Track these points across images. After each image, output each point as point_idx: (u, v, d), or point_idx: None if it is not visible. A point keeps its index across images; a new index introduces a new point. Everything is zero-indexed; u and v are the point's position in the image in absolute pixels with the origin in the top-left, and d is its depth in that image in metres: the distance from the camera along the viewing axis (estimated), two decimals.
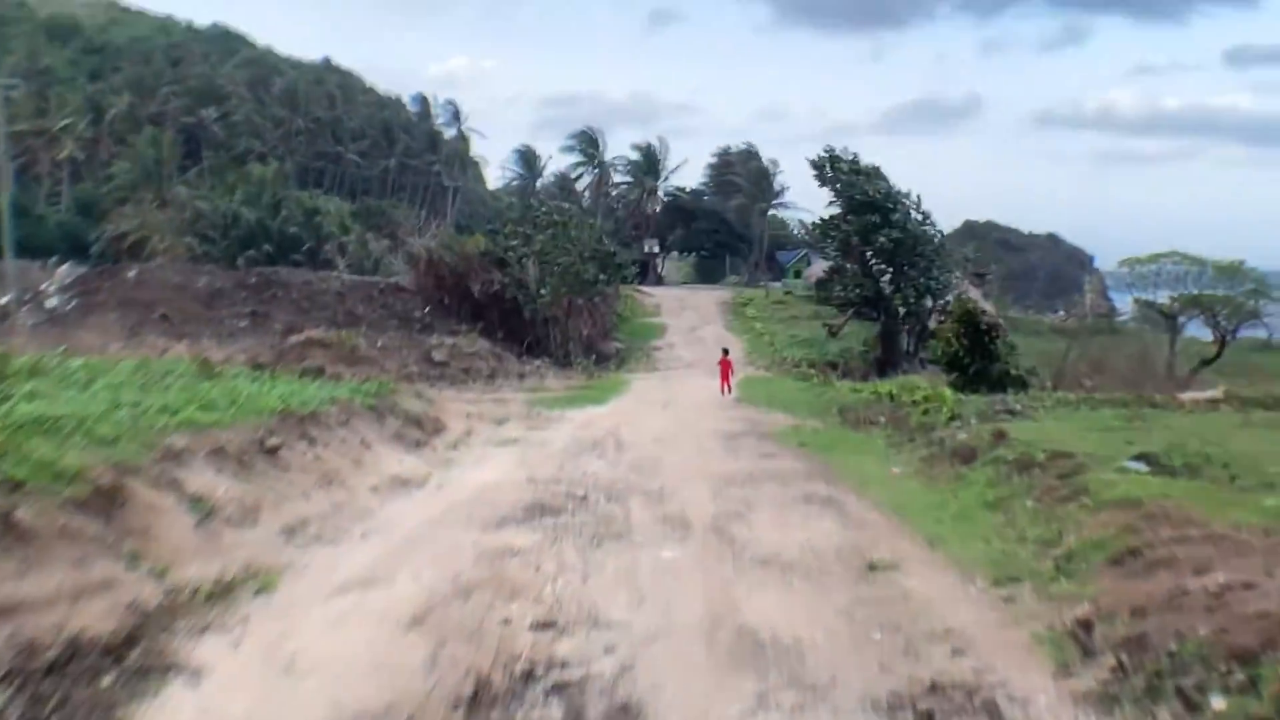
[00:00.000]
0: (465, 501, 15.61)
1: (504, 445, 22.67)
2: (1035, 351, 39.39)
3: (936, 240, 54.91)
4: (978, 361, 34.43)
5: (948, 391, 27.22)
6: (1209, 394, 29.36)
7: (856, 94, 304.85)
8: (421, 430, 21.87)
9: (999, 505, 14.48)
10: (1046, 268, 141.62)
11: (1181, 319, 54.22)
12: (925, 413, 24.56)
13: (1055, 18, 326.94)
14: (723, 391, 37.41)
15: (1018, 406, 24.71)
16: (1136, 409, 25.51)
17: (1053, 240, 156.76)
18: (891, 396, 28.50)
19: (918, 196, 54.19)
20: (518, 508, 14.91)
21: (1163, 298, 55.00)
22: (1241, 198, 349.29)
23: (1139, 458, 15.37)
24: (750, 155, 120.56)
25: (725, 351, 41.04)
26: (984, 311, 36.45)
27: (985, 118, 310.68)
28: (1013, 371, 34.94)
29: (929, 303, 53.48)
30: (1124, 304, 75.95)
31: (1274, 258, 52.69)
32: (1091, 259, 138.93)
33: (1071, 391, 33.08)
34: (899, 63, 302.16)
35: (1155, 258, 54.25)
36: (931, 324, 53.16)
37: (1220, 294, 52.42)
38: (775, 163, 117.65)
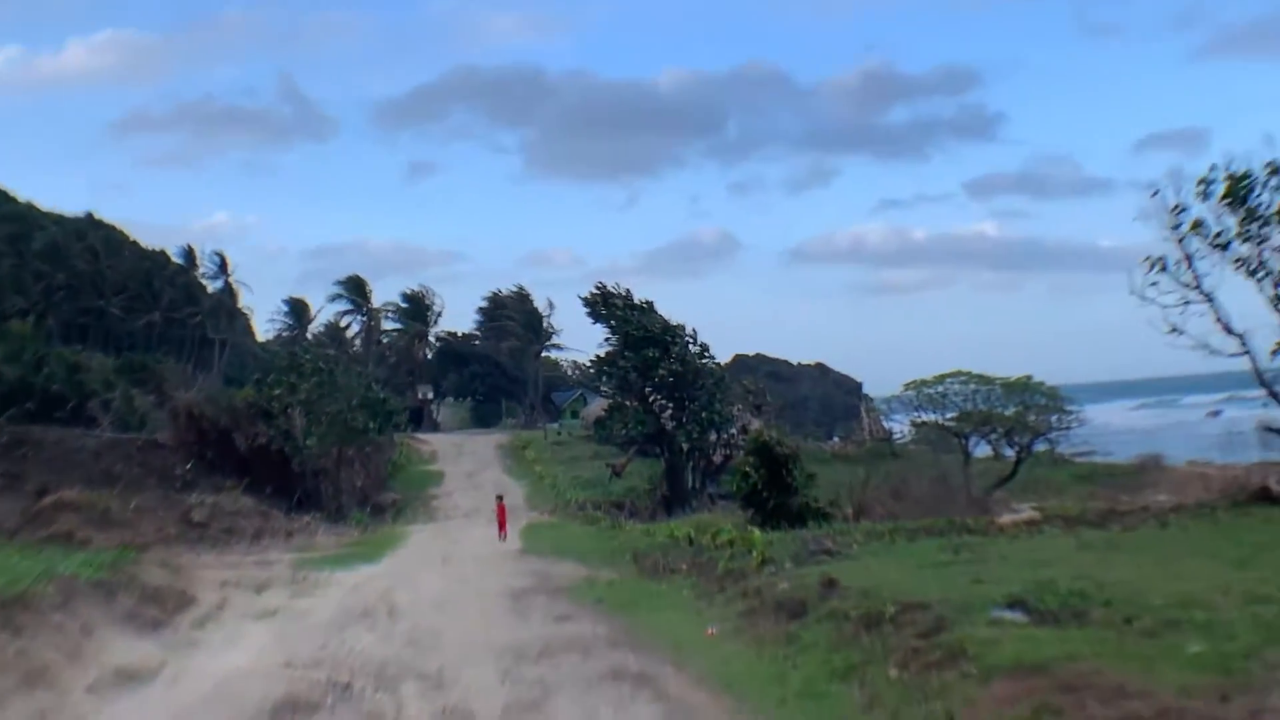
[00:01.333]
0: (201, 700, 12.95)
1: (262, 619, 19.85)
2: (825, 480, 37.57)
3: (717, 373, 53.38)
4: (776, 495, 32.29)
5: (757, 532, 24.88)
6: (1025, 515, 27.67)
7: (617, 238, 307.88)
8: (162, 607, 19.04)
9: (853, 675, 12.08)
10: (817, 396, 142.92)
11: (972, 438, 53.43)
12: (732, 557, 22.22)
13: (801, 158, 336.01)
14: (500, 538, 35.67)
15: (831, 544, 22.51)
16: (955, 537, 23.66)
17: (821, 370, 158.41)
18: (690, 539, 26.12)
19: (693, 330, 52.82)
20: (265, 707, 12.31)
21: (947, 418, 54.12)
22: (1001, 318, 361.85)
23: (1012, 605, 13.13)
24: (522, 299, 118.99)
25: (500, 498, 40.24)
26: (780, 442, 34.33)
27: (743, 255, 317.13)
28: (813, 504, 32.92)
29: (713, 436, 51.71)
30: (900, 428, 75.96)
31: (1035, 373, 52.85)
32: (860, 385, 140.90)
33: (875, 521, 31.32)
34: (654, 207, 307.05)
35: (941, 378, 53.54)
36: (717, 458, 51.32)
37: (1010, 411, 51.75)
38: (550, 304, 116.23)
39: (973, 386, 52.53)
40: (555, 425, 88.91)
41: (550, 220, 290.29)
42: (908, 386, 56.23)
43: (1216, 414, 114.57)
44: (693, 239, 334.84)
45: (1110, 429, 68.25)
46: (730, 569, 21.09)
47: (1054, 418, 51.27)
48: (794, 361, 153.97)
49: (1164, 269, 29.07)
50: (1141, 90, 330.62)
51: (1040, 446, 53.84)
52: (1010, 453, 53.35)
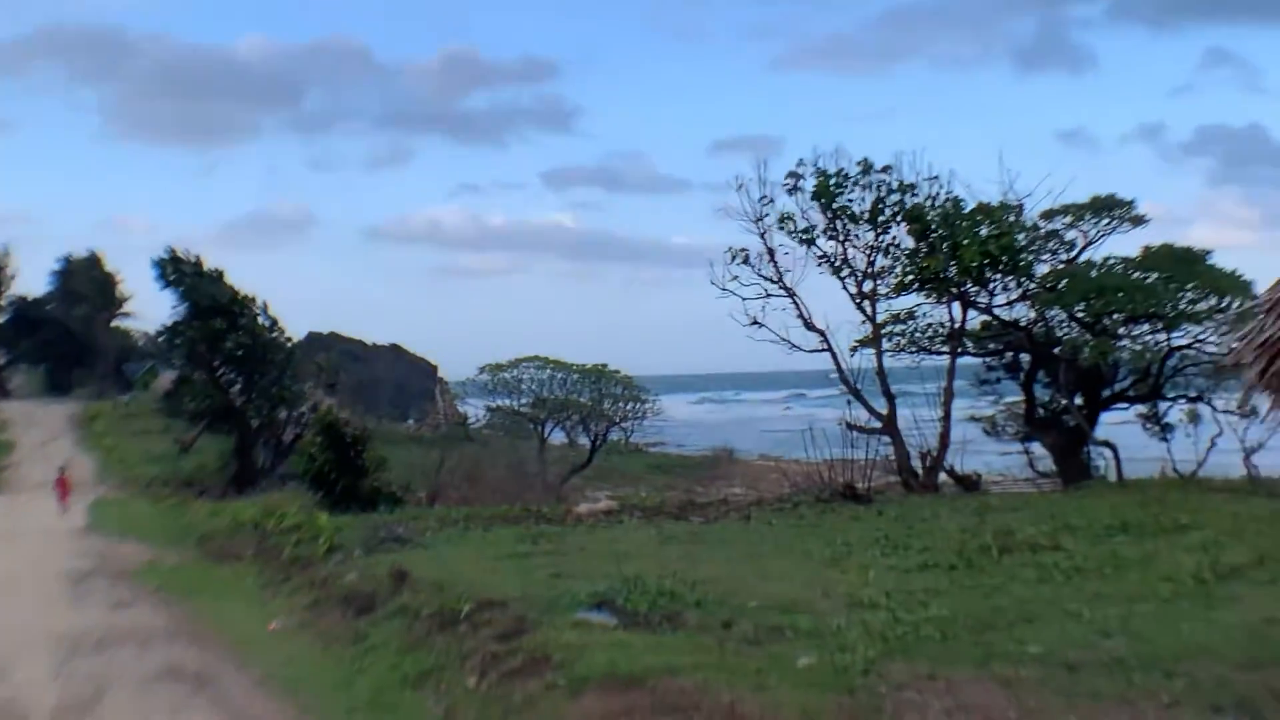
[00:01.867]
0: None
1: None
2: (400, 463, 35.93)
3: (288, 348, 50.71)
4: (346, 477, 30.42)
5: (324, 516, 22.99)
6: (603, 504, 26.91)
7: (194, 206, 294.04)
8: None
9: (427, 682, 10.68)
10: (393, 378, 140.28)
11: (548, 425, 52.57)
12: (298, 543, 20.45)
13: (380, 137, 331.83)
14: (62, 509, 32.91)
15: (403, 531, 21.05)
16: (532, 526, 22.76)
17: (397, 351, 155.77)
18: (255, 523, 24.14)
19: (264, 303, 50.09)
20: None
21: (522, 404, 53.15)
22: (577, 307, 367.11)
23: (599, 604, 11.96)
24: (94, 264, 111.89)
25: (62, 470, 36.85)
26: (348, 421, 32.47)
27: (320, 231, 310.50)
28: (385, 488, 31.25)
29: (283, 414, 48.98)
30: (476, 411, 75.00)
31: (609, 363, 52.60)
32: (435, 368, 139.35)
33: (450, 506, 30.04)
34: (232, 177, 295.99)
35: (516, 362, 52.47)
36: (287, 437, 48.68)
37: (586, 398, 51.19)
38: (118, 271, 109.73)
39: (548, 372, 51.73)
40: (126, 397, 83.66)
41: (128, 185, 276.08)
42: (484, 370, 55.04)
43: (788, 409, 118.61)
44: (270, 211, 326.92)
45: (679, 421, 69.24)
46: (296, 556, 19.50)
47: (629, 406, 51.10)
48: (369, 342, 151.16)
49: (746, 261, 28.91)
50: (718, 95, 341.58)
51: (615, 435, 53.60)
52: (585, 440, 52.87)
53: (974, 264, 27.27)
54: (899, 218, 28.32)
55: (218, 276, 49.66)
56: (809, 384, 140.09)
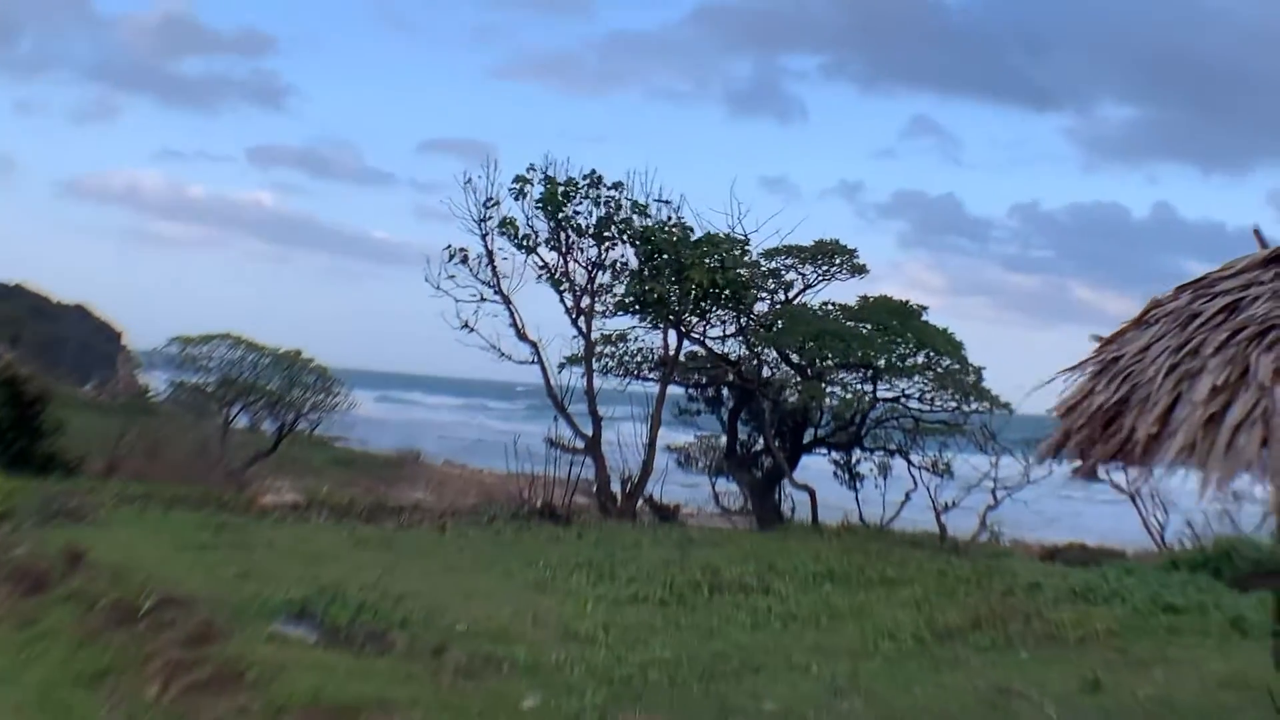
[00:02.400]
0: None
1: None
2: (77, 429, 33.62)
3: None
4: (22, 438, 28.22)
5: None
6: (289, 497, 25.53)
7: None
8: None
9: (103, 684, 9.43)
10: (77, 339, 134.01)
11: (235, 407, 50.23)
12: None
13: (89, 89, 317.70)
14: None
15: (78, 504, 19.44)
16: (215, 513, 21.43)
17: (83, 312, 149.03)
18: None
19: None
20: None
21: (208, 382, 50.73)
22: (273, 290, 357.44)
23: (298, 615, 10.93)
24: None
25: None
26: (29, 378, 30.15)
27: (18, 177, 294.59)
28: (60, 454, 29.12)
29: None
30: (159, 384, 71.90)
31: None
32: (120, 334, 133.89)
33: (127, 481, 28.21)
34: None
35: (208, 338, 49.98)
36: None
37: (276, 383, 49.17)
38: None
39: (240, 352, 49.50)
40: None
41: None
42: (173, 341, 52.35)
43: (474, 418, 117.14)
44: None
45: (361, 417, 67.39)
46: None
47: (321, 397, 49.33)
48: (55, 299, 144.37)
49: (465, 261, 27.98)
50: (434, 94, 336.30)
51: (302, 426, 51.63)
52: (270, 427, 50.73)
53: (698, 293, 27.01)
54: (626, 237, 27.80)
55: None
56: (492, 395, 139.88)
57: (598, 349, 29.92)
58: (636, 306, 28.02)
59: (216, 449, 39.99)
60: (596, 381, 29.20)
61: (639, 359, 30.88)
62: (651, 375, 30.64)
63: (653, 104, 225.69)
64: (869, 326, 28.40)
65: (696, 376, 31.73)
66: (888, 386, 28.67)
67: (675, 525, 27.12)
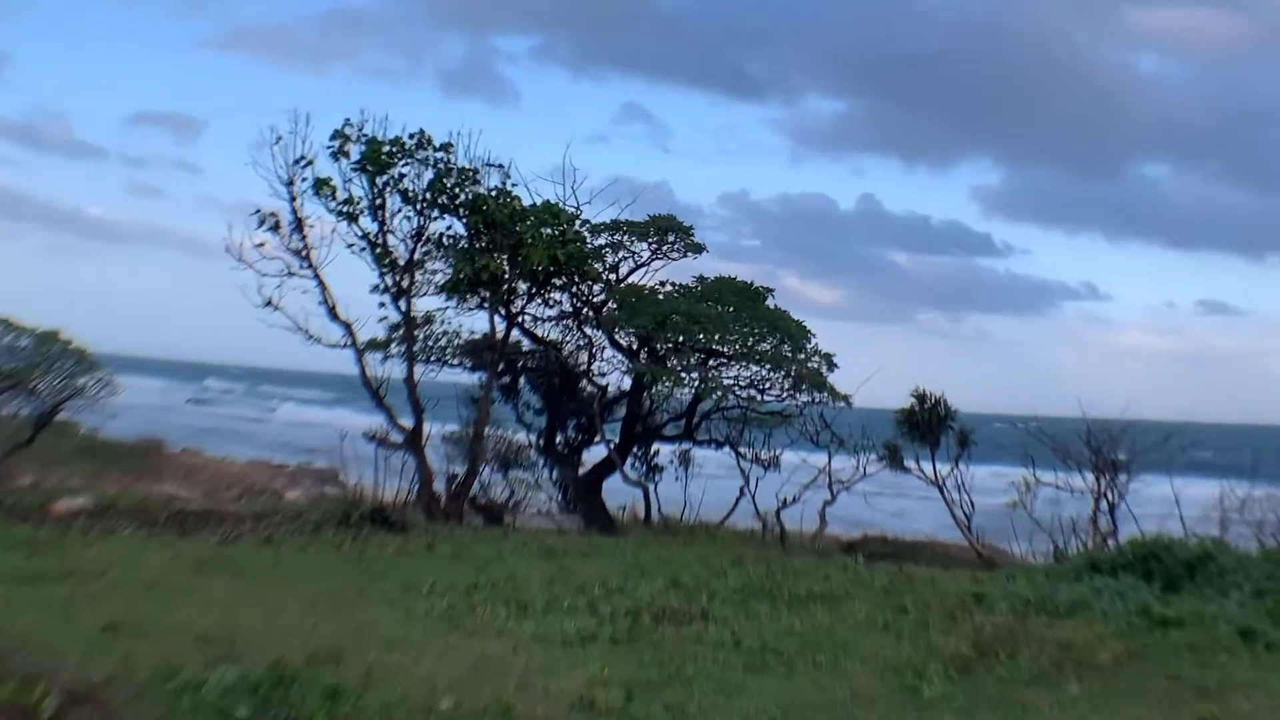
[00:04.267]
0: None
1: None
2: None
3: None
4: None
5: None
6: (81, 502, 22.08)
7: None
8: None
9: None
10: None
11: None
12: None
13: None
14: None
15: None
16: (5, 525, 18.32)
17: None
18: None
19: None
20: None
21: None
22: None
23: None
24: None
25: None
26: None
27: None
28: None
29: None
30: None
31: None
32: None
33: None
34: None
35: None
36: None
37: (36, 367, 44.52)
38: None
39: None
40: None
41: None
42: None
43: (201, 401, 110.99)
44: None
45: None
46: None
47: (80, 382, 44.78)
48: None
49: (276, 229, 24.86)
50: (144, 65, 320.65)
51: (65, 414, 46.98)
52: (22, 413, 45.78)
53: (539, 268, 24.67)
54: (457, 205, 25.20)
55: None
56: (209, 374, 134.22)
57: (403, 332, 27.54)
58: (467, 284, 25.40)
59: None
60: (395, 369, 26.66)
61: (446, 343, 28.35)
62: (456, 362, 28.23)
63: (367, 81, 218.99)
64: (718, 308, 26.45)
65: (519, 363, 29.53)
66: (734, 374, 26.76)
67: (510, 530, 25.03)
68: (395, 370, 26.48)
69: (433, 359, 28.16)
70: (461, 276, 25.14)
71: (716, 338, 25.84)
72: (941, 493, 26.35)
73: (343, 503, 23.47)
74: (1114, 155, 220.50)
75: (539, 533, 24.45)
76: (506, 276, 25.16)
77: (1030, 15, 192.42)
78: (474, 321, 27.71)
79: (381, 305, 26.34)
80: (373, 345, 26.63)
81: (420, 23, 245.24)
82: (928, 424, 26.16)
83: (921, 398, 26.35)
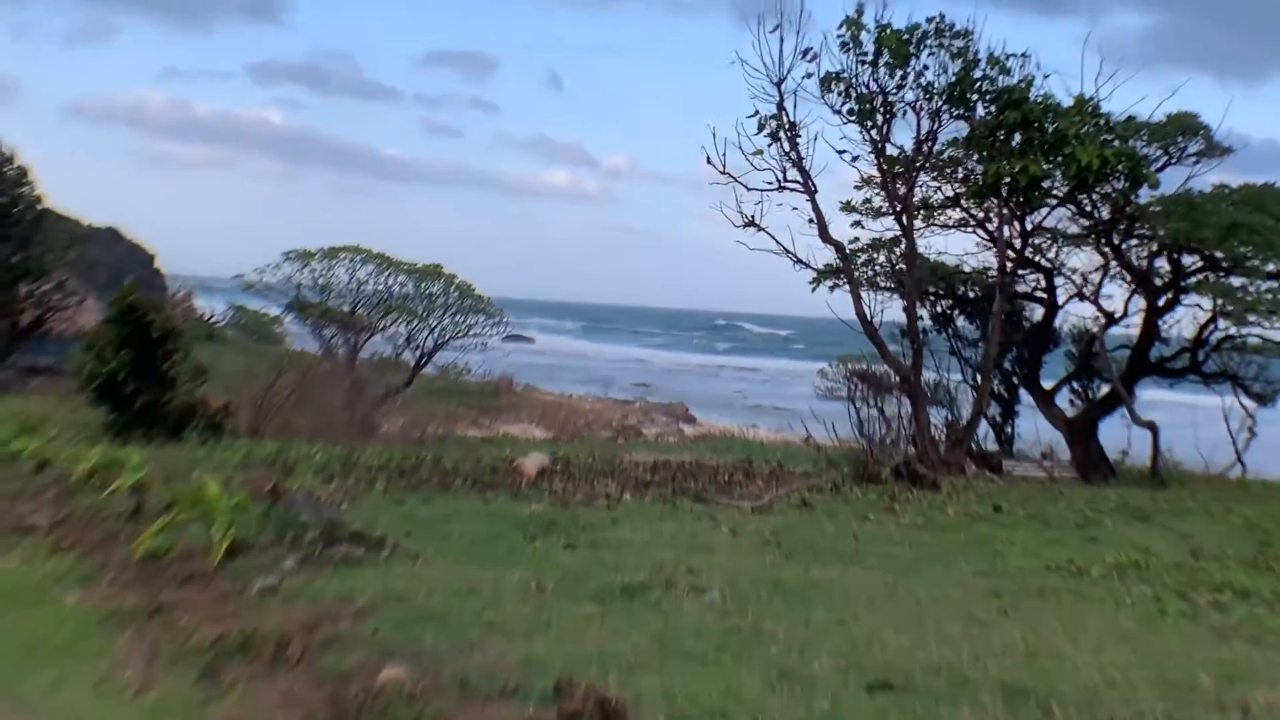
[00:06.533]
0: None
1: None
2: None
3: (38, 208, 39.41)
4: (149, 389, 21.29)
5: (213, 487, 11.42)
6: (539, 458, 18.45)
7: None
8: None
9: None
10: (109, 262, 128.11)
11: (363, 334, 42.16)
12: (138, 512, 11.74)
13: (81, 10, 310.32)
14: None
15: (336, 511, 12.43)
16: (490, 494, 15.41)
17: (114, 234, 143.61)
18: (40, 461, 14.80)
19: (12, 149, 38.86)
20: None
21: (332, 303, 42.53)
22: (281, 209, 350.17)
23: None
24: None
25: None
26: (156, 309, 23.07)
27: (22, 102, 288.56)
28: (200, 405, 22.22)
29: (24, 290, 37.85)
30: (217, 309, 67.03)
31: None
32: (154, 257, 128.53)
33: (282, 439, 21.53)
34: None
35: (334, 252, 42.36)
36: (26, 319, 37.96)
37: (421, 305, 41.67)
38: None
39: (369, 269, 41.50)
40: None
41: None
42: (291, 256, 44.23)
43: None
44: None
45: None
46: (158, 552, 10.14)
47: (478, 320, 41.72)
48: (86, 222, 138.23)
49: (775, 136, 20.85)
50: (431, 3, 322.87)
51: (450, 355, 43.83)
52: (401, 356, 42.67)
53: (1089, 167, 19.92)
54: (989, 101, 20.69)
55: None
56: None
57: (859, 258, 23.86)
58: (986, 190, 21.10)
59: (348, 387, 32.80)
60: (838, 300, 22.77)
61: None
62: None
63: (659, 14, 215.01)
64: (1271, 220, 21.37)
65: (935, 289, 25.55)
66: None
67: (1014, 481, 20.80)
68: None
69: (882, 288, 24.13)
70: (989, 181, 20.64)
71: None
72: None
73: (850, 456, 19.58)
74: None
75: (1052, 485, 20.38)
76: (1042, 181, 20.56)
77: None
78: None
79: (856, 224, 23.38)
80: (826, 273, 22.83)
81: None
82: None
83: None
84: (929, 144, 21.23)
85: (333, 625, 7.78)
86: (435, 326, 39.60)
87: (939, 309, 25.73)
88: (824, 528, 13.93)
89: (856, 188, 24.01)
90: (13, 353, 37.03)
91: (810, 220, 21.26)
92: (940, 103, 20.52)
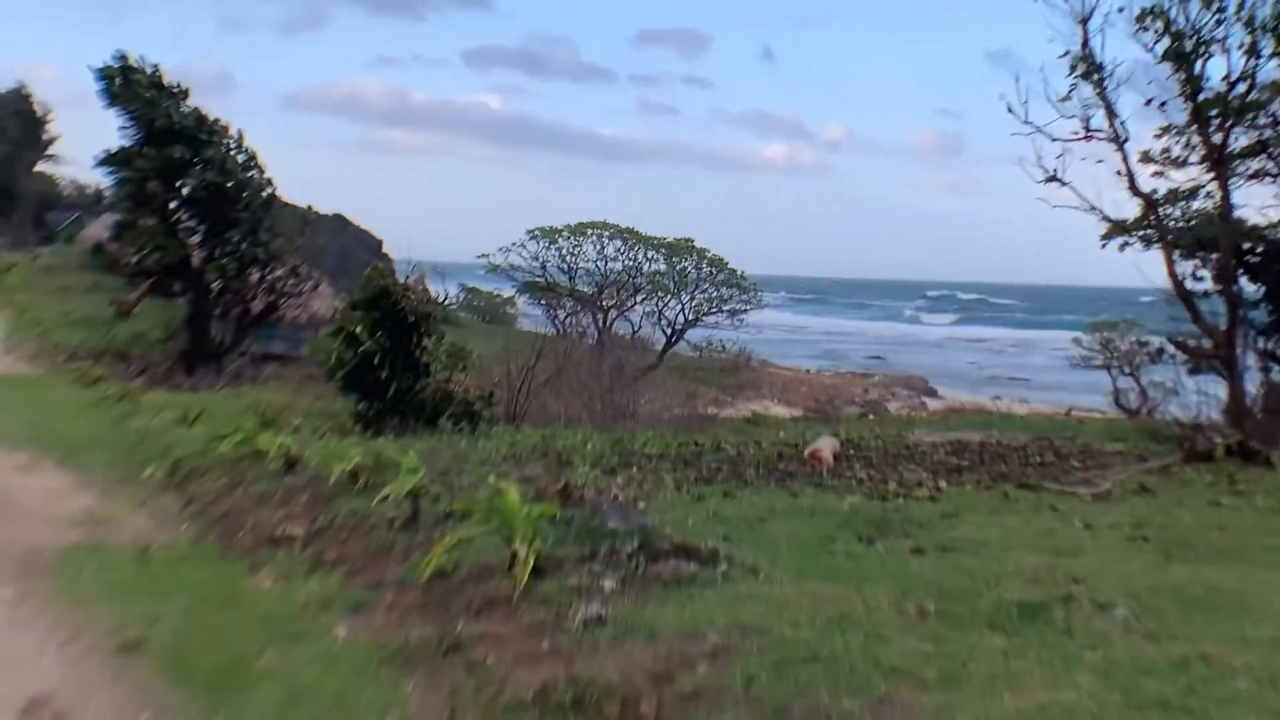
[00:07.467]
0: None
1: None
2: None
3: (266, 194, 39.06)
4: (404, 376, 20.46)
5: (512, 493, 9.15)
6: (827, 443, 16.97)
7: (93, 60, 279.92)
8: None
9: None
10: (335, 249, 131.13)
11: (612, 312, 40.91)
12: (410, 522, 10.07)
13: (293, 1, 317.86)
14: None
15: (664, 526, 10.74)
16: (795, 486, 14.10)
17: (341, 220, 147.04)
18: (289, 456, 13.43)
19: (240, 132, 38.62)
20: None
21: (576, 281, 41.44)
22: (503, 193, 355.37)
23: None
24: (20, 99, 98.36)
25: None
26: (409, 292, 22.19)
27: (240, 94, 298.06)
28: (459, 394, 21.32)
29: (255, 276, 37.59)
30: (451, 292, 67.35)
31: None
32: (380, 243, 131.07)
33: (539, 426, 20.60)
34: (140, 31, 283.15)
35: (582, 228, 41.44)
36: (258, 305, 37.82)
37: (673, 280, 40.50)
38: (49, 109, 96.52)
39: (616, 245, 40.34)
40: (46, 249, 71.45)
41: (36, 32, 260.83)
42: (534, 233, 43.37)
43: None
44: (184, 69, 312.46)
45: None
46: (445, 571, 8.45)
47: (731, 295, 40.34)
48: (314, 209, 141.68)
49: (1090, 77, 19.01)
50: None
51: (706, 333, 42.45)
52: (644, 334, 41.43)
53: None
54: None
55: (181, 94, 38.14)
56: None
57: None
58: None
59: (601, 367, 31.65)
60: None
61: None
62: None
63: None
64: None
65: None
66: None
67: None
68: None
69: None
70: None
71: None
72: None
73: (1161, 432, 17.78)
74: None
75: None
76: None
77: None
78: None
79: (1158, 174, 21.24)
80: (1115, 230, 20.89)
81: None
82: None
83: None
84: (1250, 83, 19.01)
85: (689, 673, 6.29)
86: (688, 302, 38.50)
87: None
88: (1180, 517, 12.13)
89: (1156, 136, 21.94)
90: (244, 340, 36.91)
91: (1119, 172, 19.37)
92: (1263, 35, 18.30)
